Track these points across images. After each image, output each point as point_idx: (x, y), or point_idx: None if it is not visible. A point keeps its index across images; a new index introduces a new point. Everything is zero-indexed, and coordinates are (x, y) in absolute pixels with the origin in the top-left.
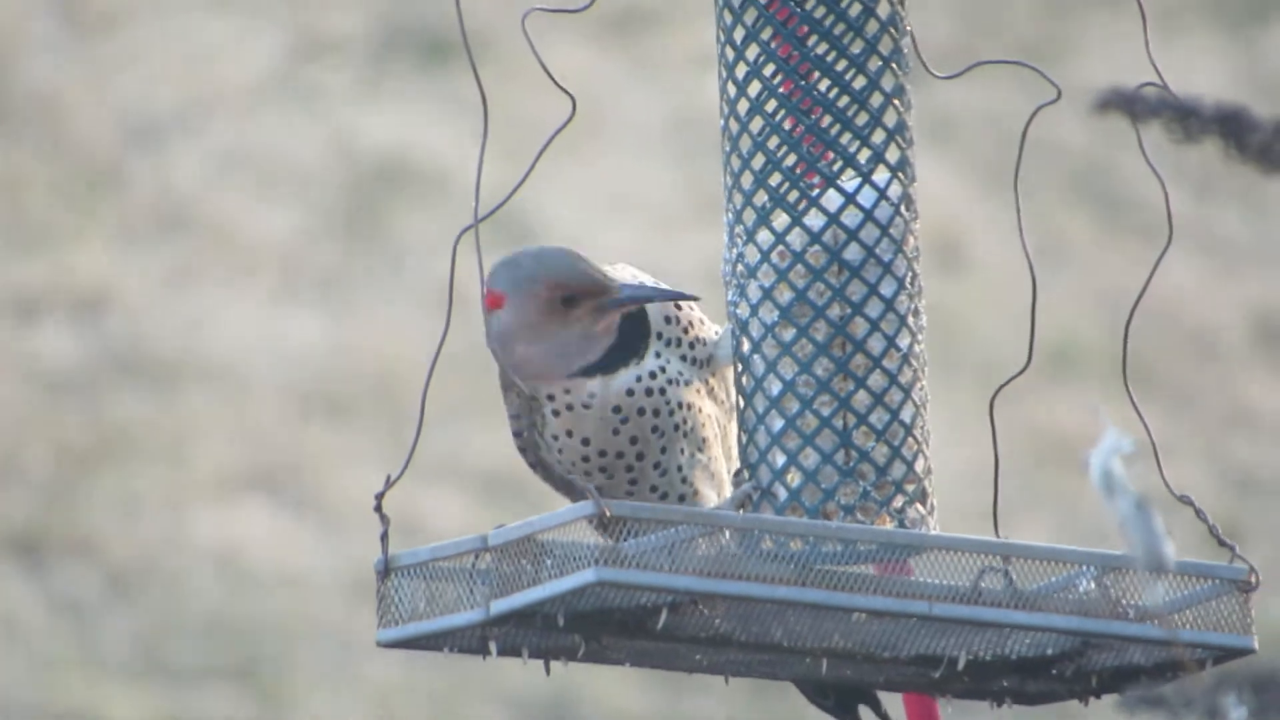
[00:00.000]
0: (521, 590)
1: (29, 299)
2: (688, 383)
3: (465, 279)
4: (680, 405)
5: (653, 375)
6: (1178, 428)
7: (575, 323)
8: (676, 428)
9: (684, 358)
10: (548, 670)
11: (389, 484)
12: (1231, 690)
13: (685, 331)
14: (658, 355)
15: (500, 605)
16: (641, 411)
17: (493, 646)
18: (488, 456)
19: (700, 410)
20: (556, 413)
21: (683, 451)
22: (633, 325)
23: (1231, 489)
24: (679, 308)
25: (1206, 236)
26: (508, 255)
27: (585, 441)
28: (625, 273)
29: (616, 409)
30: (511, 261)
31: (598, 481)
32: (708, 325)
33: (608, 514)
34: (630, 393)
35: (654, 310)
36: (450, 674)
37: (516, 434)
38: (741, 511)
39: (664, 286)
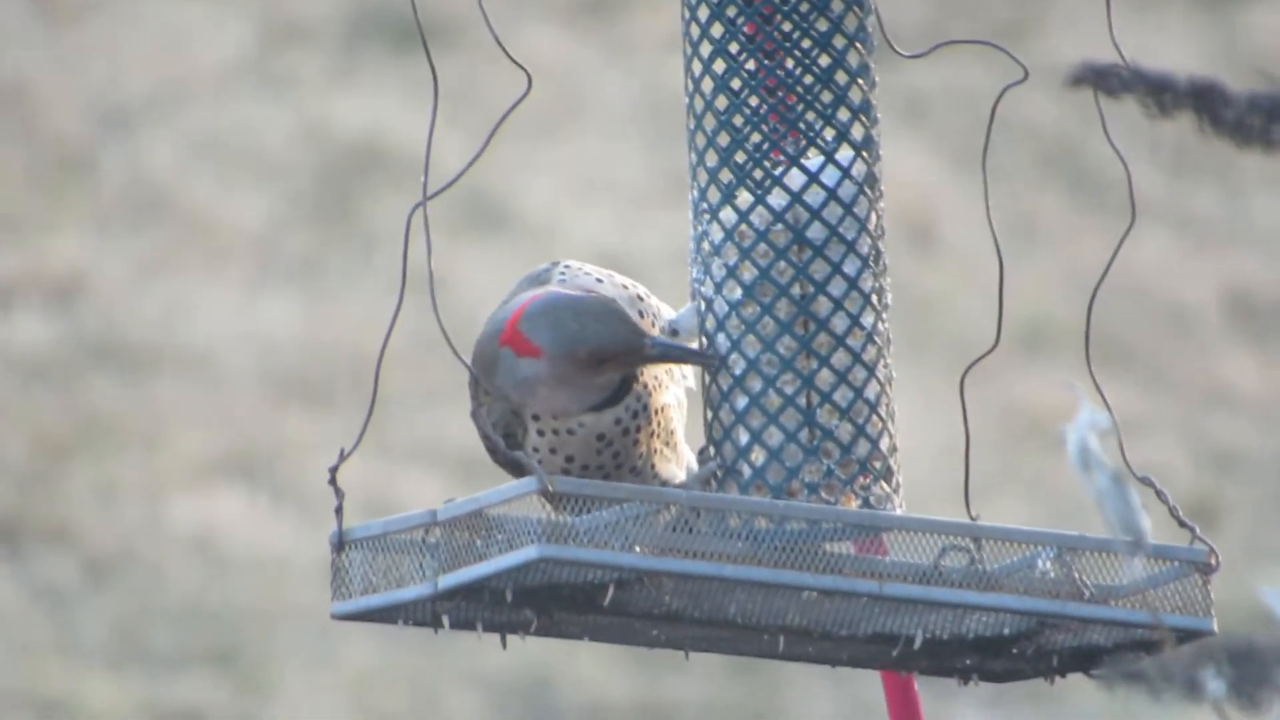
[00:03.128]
0: (468, 565)
1: (2, 287)
2: (660, 384)
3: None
4: (656, 411)
5: (638, 398)
6: (1153, 405)
7: (603, 377)
8: (653, 434)
9: (668, 371)
10: (504, 644)
11: (342, 457)
12: (1209, 664)
13: (653, 324)
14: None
15: (447, 580)
16: (625, 432)
17: (445, 620)
18: (465, 439)
19: (669, 406)
20: (541, 433)
21: (656, 451)
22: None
23: (1207, 466)
24: (641, 299)
25: (1181, 213)
26: (548, 300)
27: (569, 459)
28: (584, 269)
29: (601, 435)
30: (552, 314)
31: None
32: (667, 310)
33: (551, 489)
34: (618, 421)
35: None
36: (429, 657)
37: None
38: (707, 490)
39: (688, 346)
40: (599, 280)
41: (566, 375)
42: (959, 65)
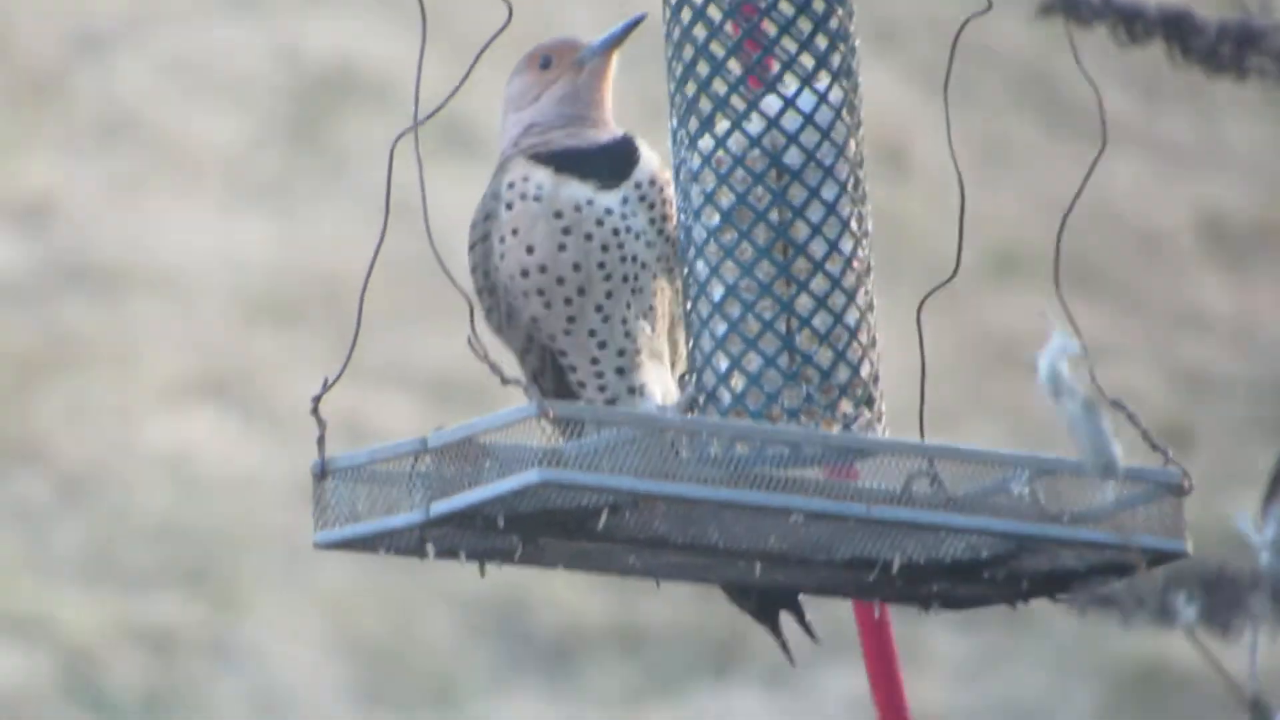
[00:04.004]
0: (462, 491)
1: None
2: (649, 244)
3: (408, 184)
4: (633, 259)
5: (608, 211)
6: (1126, 329)
7: (551, 83)
8: (625, 279)
9: (652, 221)
10: (482, 571)
11: (326, 387)
12: (1181, 590)
13: (662, 201)
14: (624, 201)
15: (441, 507)
16: (589, 237)
17: (430, 549)
18: (436, 360)
19: (654, 277)
20: (509, 205)
21: (628, 306)
22: (617, 154)
23: (1181, 389)
24: (668, 181)
25: (1153, 139)
26: None
27: (529, 250)
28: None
29: (559, 215)
30: None
31: (534, 310)
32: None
33: (550, 414)
34: (578, 208)
35: (644, 165)
36: (400, 577)
37: (470, 246)
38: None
39: (628, 21)
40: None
41: (526, 88)
42: None
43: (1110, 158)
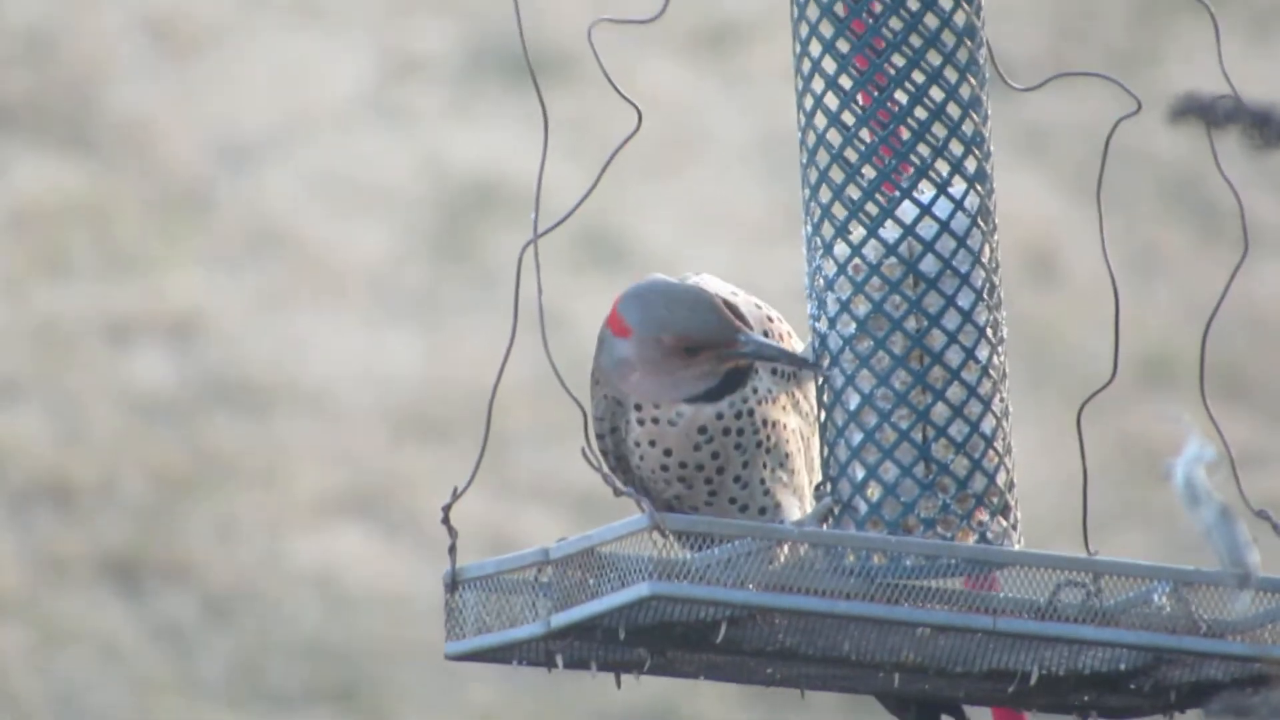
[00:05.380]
0: (580, 604)
1: (122, 323)
2: (774, 399)
3: (552, 295)
4: (765, 422)
5: (744, 399)
6: (1274, 437)
7: (695, 368)
8: (760, 444)
9: (774, 372)
10: (618, 683)
11: (455, 496)
12: None
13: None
14: (755, 372)
15: (560, 619)
16: (726, 431)
17: (559, 659)
18: (584, 477)
19: (785, 426)
20: (641, 422)
21: (765, 465)
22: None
23: None
24: (771, 320)
25: None
26: (643, 284)
27: (667, 453)
28: (714, 284)
29: (703, 429)
30: (645, 297)
31: (676, 490)
32: (795, 340)
33: (663, 528)
34: (719, 415)
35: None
36: (550, 694)
37: (599, 436)
38: (824, 526)
39: (785, 347)
40: (734, 293)
41: (654, 359)
42: (1077, 96)
43: (1259, 264)
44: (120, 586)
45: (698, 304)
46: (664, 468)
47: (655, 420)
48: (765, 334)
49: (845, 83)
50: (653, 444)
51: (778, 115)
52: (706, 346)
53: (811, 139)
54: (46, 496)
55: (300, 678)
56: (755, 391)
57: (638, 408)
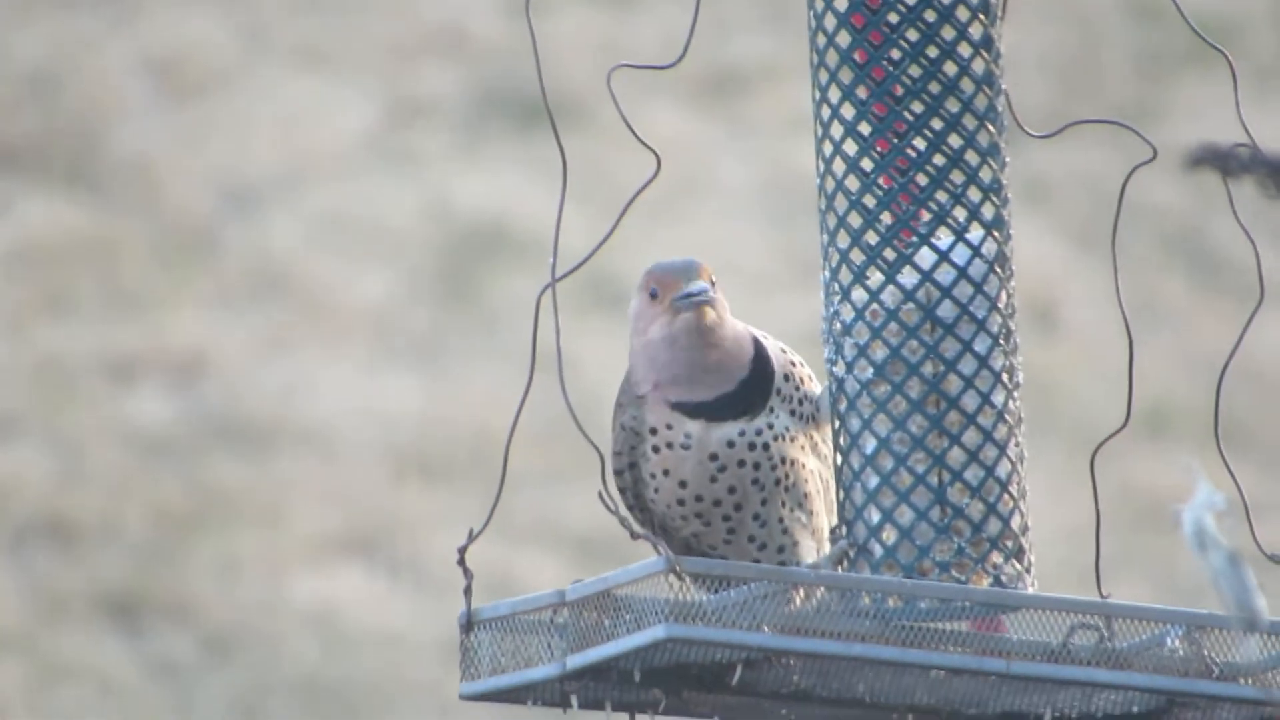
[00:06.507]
0: (596, 645)
1: (124, 362)
2: (793, 438)
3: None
4: (783, 460)
5: (758, 432)
6: (1275, 486)
7: (657, 317)
8: (778, 482)
9: (793, 413)
10: None
11: (471, 538)
12: None
13: (797, 389)
14: (770, 410)
15: (575, 660)
16: (741, 464)
17: (574, 700)
18: (584, 520)
19: (804, 466)
20: (656, 449)
21: (784, 504)
22: (756, 382)
23: None
24: (794, 365)
25: None
26: None
27: (682, 484)
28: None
29: (714, 456)
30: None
31: (694, 528)
32: (814, 383)
33: (679, 570)
34: (731, 444)
35: (777, 371)
36: None
37: (618, 471)
38: (839, 569)
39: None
40: (763, 336)
41: (643, 313)
42: (1081, 147)
43: (1259, 315)
44: (120, 624)
45: (677, 257)
46: (680, 501)
47: (669, 445)
48: (787, 378)
49: (864, 129)
50: (667, 473)
51: (780, 162)
52: (664, 287)
53: (830, 185)
54: (47, 534)
55: (299, 716)
56: (771, 427)
57: (653, 432)
